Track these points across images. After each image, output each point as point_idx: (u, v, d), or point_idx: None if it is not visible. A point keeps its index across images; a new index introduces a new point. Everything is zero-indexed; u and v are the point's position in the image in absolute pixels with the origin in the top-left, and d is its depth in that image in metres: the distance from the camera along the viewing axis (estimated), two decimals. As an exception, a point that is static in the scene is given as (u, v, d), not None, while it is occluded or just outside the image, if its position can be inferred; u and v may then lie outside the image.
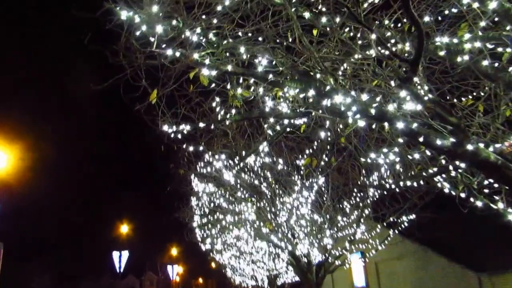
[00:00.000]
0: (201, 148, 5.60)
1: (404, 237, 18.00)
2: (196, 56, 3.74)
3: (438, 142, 3.73)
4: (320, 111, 4.10)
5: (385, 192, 12.97)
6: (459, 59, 3.84)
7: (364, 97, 3.94)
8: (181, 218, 13.84)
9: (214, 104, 4.78)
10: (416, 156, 5.53)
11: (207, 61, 3.83)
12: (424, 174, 6.07)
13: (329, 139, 7.25)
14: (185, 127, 4.70)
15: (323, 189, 13.47)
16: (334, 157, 8.78)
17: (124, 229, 36.24)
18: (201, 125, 4.77)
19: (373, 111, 3.79)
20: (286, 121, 5.00)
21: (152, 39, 3.65)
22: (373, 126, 5.77)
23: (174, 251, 51.94)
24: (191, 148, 5.55)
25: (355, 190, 13.02)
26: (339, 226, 13.54)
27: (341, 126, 6.60)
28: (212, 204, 13.60)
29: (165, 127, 4.91)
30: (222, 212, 13.67)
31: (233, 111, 4.76)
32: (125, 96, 4.43)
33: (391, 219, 14.74)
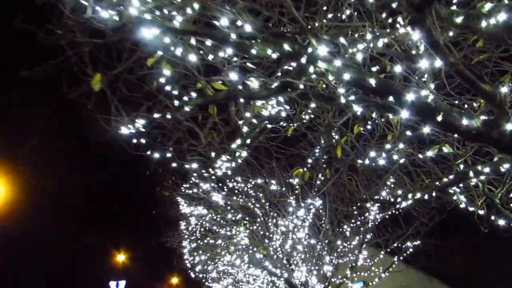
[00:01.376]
0: (168, 155, 4.76)
1: (408, 265, 16.85)
2: (134, 11, 2.94)
3: (464, 121, 2.81)
4: (302, 85, 3.30)
5: (388, 212, 12.05)
6: (483, 23, 2.82)
7: (359, 57, 3.09)
8: (169, 244, 12.88)
9: (169, 88, 3.97)
10: (429, 154, 4.65)
11: (147, 17, 3.03)
12: (437, 183, 5.16)
13: (323, 144, 6.42)
14: (140, 122, 3.93)
15: (320, 211, 12.54)
16: (329, 170, 7.87)
17: (120, 258, 34.99)
18: (156, 116, 3.99)
19: (372, 81, 2.92)
20: (265, 113, 4.22)
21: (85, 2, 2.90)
22: (373, 116, 4.91)
23: (174, 280, 50.14)
24: (156, 155, 4.72)
25: (355, 210, 12.08)
26: (339, 252, 12.52)
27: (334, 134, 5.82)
28: (201, 228, 12.66)
29: (123, 128, 4.13)
30: (213, 237, 12.71)
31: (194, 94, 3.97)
32: (69, 90, 3.67)
33: (395, 245, 13.73)
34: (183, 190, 11.23)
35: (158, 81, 3.89)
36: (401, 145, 4.74)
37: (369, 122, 5.35)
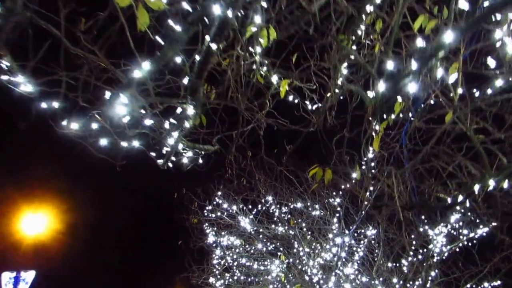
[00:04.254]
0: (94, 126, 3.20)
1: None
2: None
3: None
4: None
5: (459, 243, 9.73)
6: None
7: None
8: (195, 280, 11.22)
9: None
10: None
11: None
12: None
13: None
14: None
15: (372, 242, 10.44)
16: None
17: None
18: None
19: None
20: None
21: None
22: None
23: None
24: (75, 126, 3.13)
25: (414, 240, 9.88)
26: (396, 293, 10.24)
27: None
28: (232, 261, 10.92)
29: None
30: (245, 272, 10.91)
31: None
32: None
33: (468, 286, 11.13)
34: (205, 214, 9.70)
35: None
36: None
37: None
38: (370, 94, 3.24)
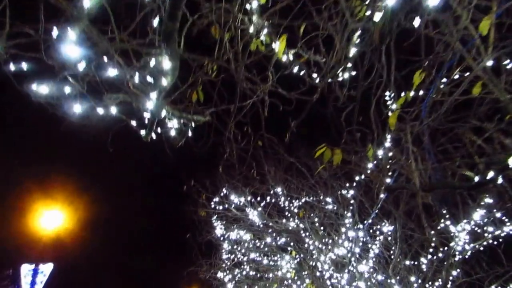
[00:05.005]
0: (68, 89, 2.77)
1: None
2: None
3: None
4: None
5: (483, 242, 9.04)
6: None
7: None
8: (203, 275, 10.84)
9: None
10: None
11: None
12: None
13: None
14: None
15: (389, 238, 9.84)
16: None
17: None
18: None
19: None
20: None
21: None
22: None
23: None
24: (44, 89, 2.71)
25: (434, 237, 9.24)
26: (414, 293, 9.62)
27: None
28: (241, 256, 10.48)
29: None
30: (254, 267, 10.46)
31: None
32: None
33: (493, 287, 10.40)
34: (212, 206, 9.29)
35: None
36: None
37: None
38: (378, 15, 2.68)
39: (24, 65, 2.66)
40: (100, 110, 2.88)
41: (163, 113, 3.05)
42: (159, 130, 3.25)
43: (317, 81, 3.99)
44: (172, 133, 3.39)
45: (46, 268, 20.47)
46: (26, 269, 20.16)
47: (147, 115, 3.04)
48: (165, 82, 2.79)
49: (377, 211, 8.37)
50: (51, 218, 19.81)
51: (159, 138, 3.30)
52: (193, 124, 3.38)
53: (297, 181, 8.98)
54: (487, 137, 3.36)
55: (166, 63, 2.65)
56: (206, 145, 3.91)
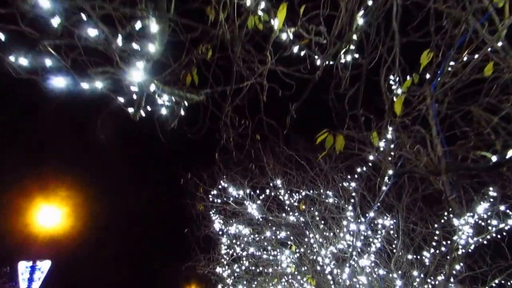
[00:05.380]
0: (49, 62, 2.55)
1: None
2: None
3: None
4: None
5: (486, 235, 8.84)
6: None
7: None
8: (202, 270, 10.63)
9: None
10: None
11: None
12: None
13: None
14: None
15: (391, 232, 9.64)
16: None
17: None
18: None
19: None
20: None
21: None
22: None
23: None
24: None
25: (438, 230, 9.05)
26: (416, 287, 9.44)
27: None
28: (240, 251, 10.27)
29: None
30: (253, 262, 10.26)
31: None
32: None
33: (496, 281, 10.20)
34: (210, 199, 9.08)
35: None
36: None
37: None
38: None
39: (1, 36, 2.43)
40: (85, 85, 2.66)
41: (152, 87, 2.79)
42: (149, 108, 3.01)
43: (318, 62, 3.77)
44: (163, 112, 3.13)
45: (44, 265, 20.28)
46: (23, 266, 19.97)
47: (134, 89, 2.79)
48: (152, 48, 2.55)
49: (379, 204, 8.16)
50: (49, 214, 19.62)
51: (150, 117, 3.05)
52: (186, 103, 3.12)
53: (297, 174, 8.78)
54: (502, 116, 3.14)
55: (153, 26, 2.42)
56: (201, 131, 3.67)
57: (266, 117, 4.26)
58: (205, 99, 3.42)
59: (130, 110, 2.89)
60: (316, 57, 3.87)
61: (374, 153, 4.10)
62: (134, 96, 2.81)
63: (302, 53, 3.72)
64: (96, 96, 2.89)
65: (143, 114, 2.94)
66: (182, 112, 3.13)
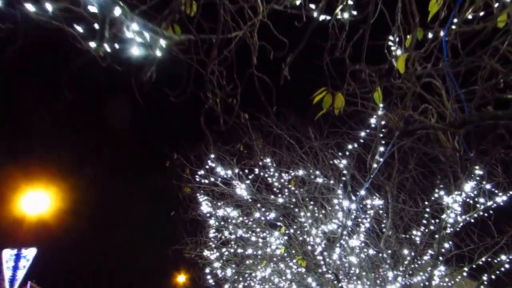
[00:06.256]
0: None
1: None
2: None
3: None
4: None
5: (474, 213, 8.86)
6: None
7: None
8: (187, 254, 10.40)
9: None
10: None
11: None
12: None
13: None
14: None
15: (380, 212, 9.58)
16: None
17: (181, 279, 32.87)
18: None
19: None
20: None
21: None
22: None
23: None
24: None
25: (427, 208, 9.02)
26: (406, 266, 9.42)
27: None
28: (228, 233, 10.06)
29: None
30: (241, 245, 10.08)
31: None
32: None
33: (483, 259, 10.26)
34: (197, 180, 8.82)
35: None
36: None
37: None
38: None
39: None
40: (30, 7, 2.22)
41: (117, 11, 2.29)
42: (117, 46, 2.55)
43: (315, 14, 3.48)
44: (135, 51, 2.67)
45: (29, 253, 19.81)
46: (8, 254, 19.48)
47: (94, 9, 2.30)
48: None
49: (370, 181, 8.05)
50: (34, 200, 19.06)
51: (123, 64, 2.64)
52: (163, 44, 2.66)
53: (287, 154, 8.59)
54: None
55: None
56: (184, 93, 3.34)
57: (257, 84, 3.98)
58: (187, 42, 3.06)
59: (92, 44, 2.45)
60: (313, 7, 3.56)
61: (377, 113, 3.87)
62: (96, 26, 2.34)
63: (298, 2, 3.43)
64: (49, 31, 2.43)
65: (109, 49, 2.48)
66: (159, 54, 2.66)
